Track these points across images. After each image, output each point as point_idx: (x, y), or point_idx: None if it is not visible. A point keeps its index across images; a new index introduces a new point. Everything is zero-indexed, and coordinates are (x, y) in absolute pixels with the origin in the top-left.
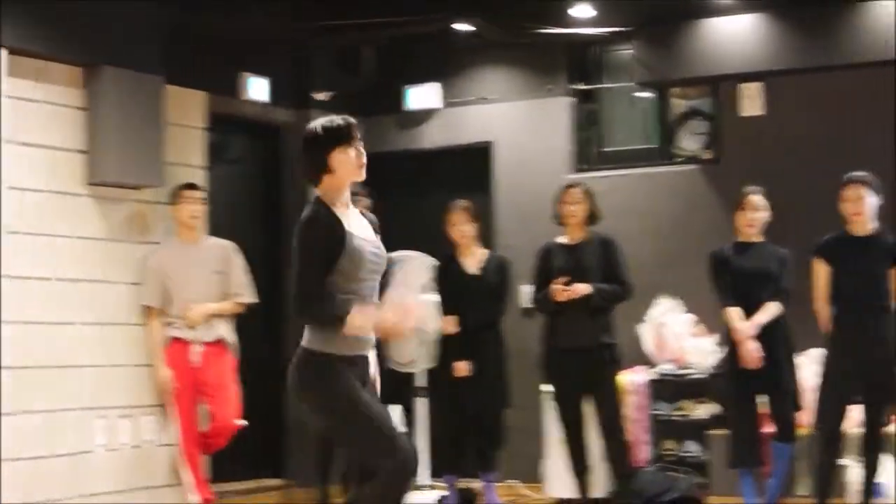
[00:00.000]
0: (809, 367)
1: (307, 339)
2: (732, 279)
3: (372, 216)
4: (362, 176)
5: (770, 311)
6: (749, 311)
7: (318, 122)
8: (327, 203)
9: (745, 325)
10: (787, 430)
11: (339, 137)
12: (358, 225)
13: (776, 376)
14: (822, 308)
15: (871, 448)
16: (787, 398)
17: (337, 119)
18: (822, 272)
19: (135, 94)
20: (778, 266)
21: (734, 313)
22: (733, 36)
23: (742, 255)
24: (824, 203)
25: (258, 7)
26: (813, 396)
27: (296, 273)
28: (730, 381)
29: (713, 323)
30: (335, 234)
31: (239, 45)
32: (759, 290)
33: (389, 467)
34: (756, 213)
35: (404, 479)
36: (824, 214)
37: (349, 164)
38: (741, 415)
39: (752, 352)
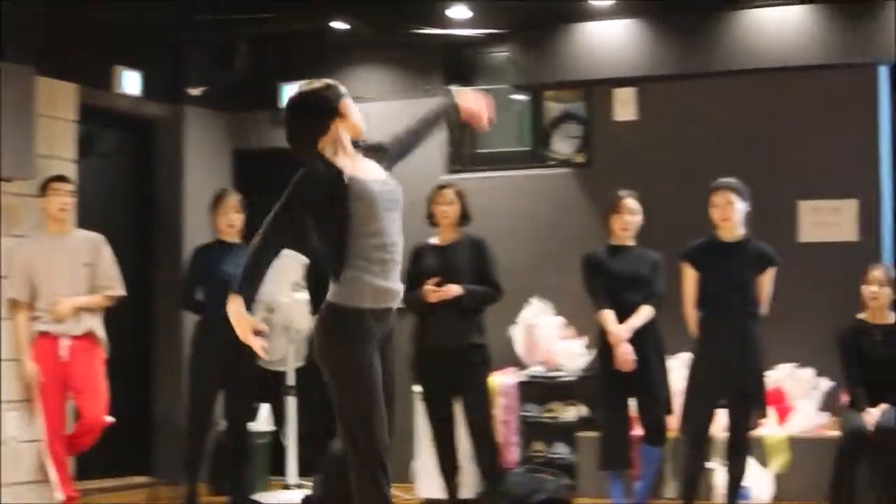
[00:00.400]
0: (679, 370)
1: (333, 293)
2: (606, 282)
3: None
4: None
5: (643, 314)
6: (622, 315)
7: (308, 86)
8: (328, 156)
9: (620, 329)
10: (656, 433)
11: (341, 92)
12: (364, 168)
13: (647, 380)
14: (691, 312)
15: (737, 452)
16: (657, 402)
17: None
18: (690, 277)
19: (4, 85)
20: (650, 270)
21: (608, 316)
22: (608, 41)
23: (615, 259)
24: (694, 208)
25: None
26: (681, 400)
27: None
28: (601, 383)
29: (583, 325)
30: (335, 183)
31: (112, 37)
32: (632, 293)
33: (355, 465)
34: (631, 216)
35: (370, 481)
36: (694, 219)
37: (354, 109)
38: (612, 417)
39: (626, 355)
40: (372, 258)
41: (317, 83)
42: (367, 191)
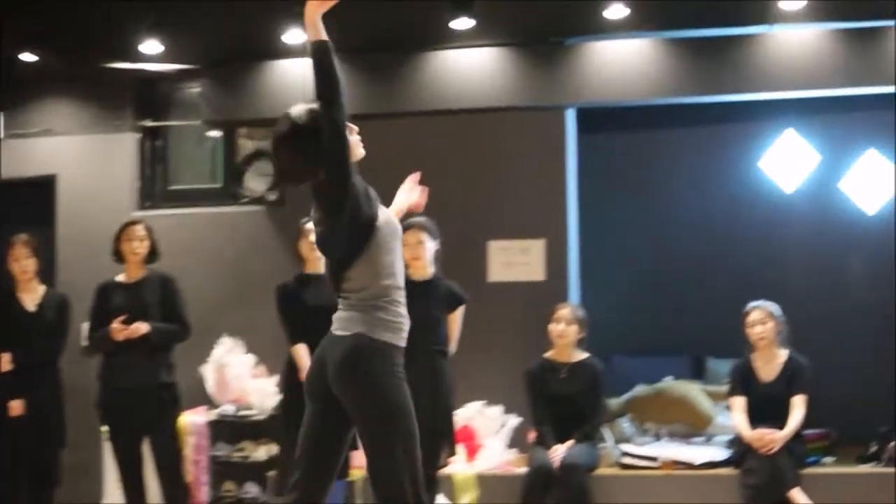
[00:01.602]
0: None
1: (365, 325)
2: (298, 313)
3: None
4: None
5: None
6: (317, 347)
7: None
8: None
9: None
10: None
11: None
12: None
13: None
14: None
15: (427, 489)
16: None
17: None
18: None
19: None
20: None
21: (299, 350)
22: (300, 79)
23: (307, 288)
24: None
25: None
26: None
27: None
28: (287, 417)
29: (275, 364)
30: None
31: None
32: (325, 324)
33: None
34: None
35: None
36: None
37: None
38: (290, 448)
39: None
40: (397, 296)
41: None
42: (394, 223)
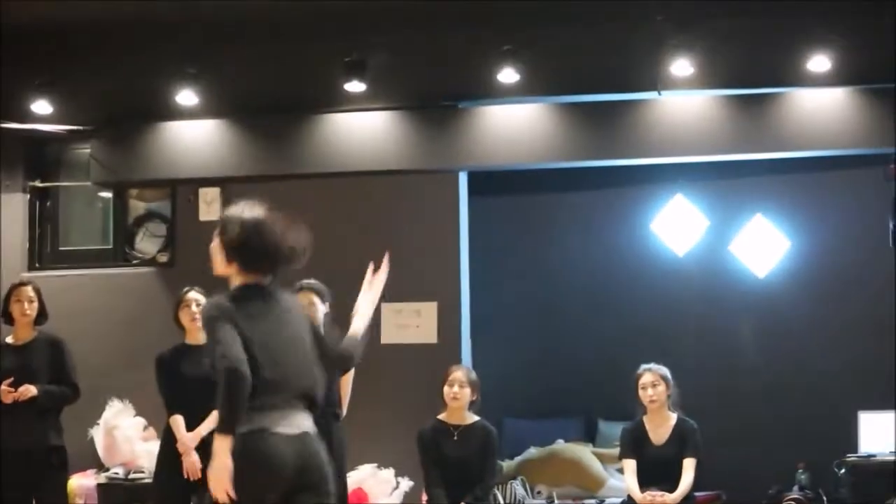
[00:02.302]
0: None
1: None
2: (176, 384)
3: None
4: None
5: (213, 420)
6: (194, 418)
7: (255, 210)
8: None
9: (186, 437)
10: None
11: None
12: None
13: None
14: None
15: None
16: None
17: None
18: None
19: None
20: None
21: (177, 421)
22: (193, 141)
23: (185, 358)
24: None
25: None
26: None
27: None
28: (162, 487)
29: (161, 426)
30: None
31: None
32: (204, 396)
33: None
34: (198, 308)
35: None
36: None
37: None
38: None
39: (194, 465)
40: None
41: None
42: None
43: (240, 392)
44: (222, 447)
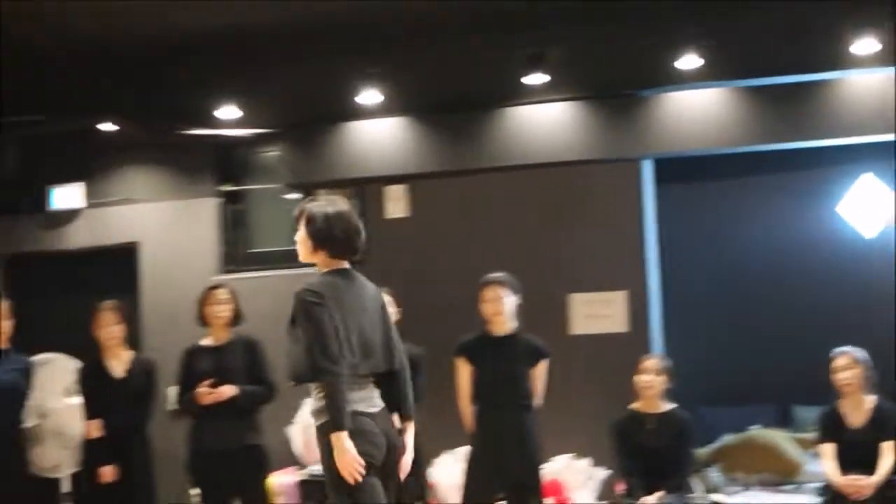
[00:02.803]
0: (457, 464)
1: None
2: None
3: None
4: None
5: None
6: None
7: (337, 202)
8: None
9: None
10: None
11: None
12: None
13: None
14: (466, 406)
15: None
16: None
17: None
18: (464, 371)
19: None
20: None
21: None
22: (378, 139)
23: None
24: (467, 303)
25: None
26: (459, 494)
27: None
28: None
29: None
30: None
31: None
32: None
33: None
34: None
35: None
36: (467, 315)
37: None
38: None
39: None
40: None
41: None
42: None
43: (342, 393)
44: (342, 443)
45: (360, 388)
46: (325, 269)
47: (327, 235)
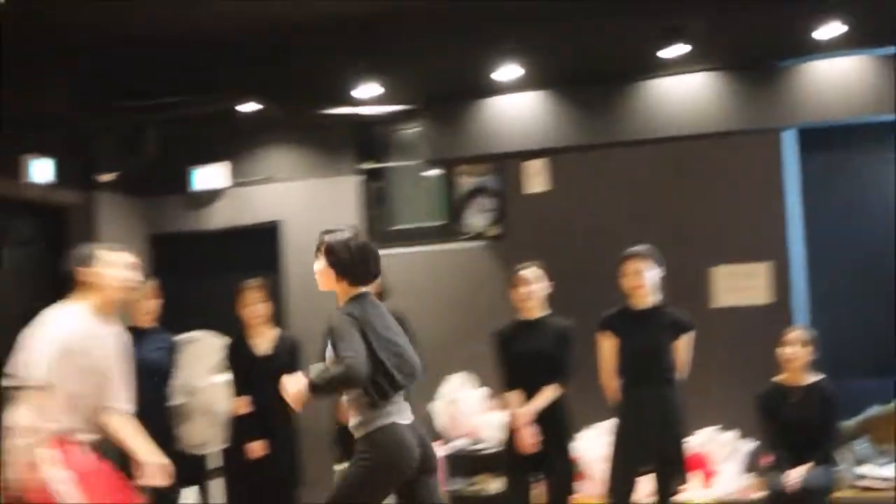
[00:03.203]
0: (601, 439)
1: None
2: (511, 361)
3: None
4: None
5: (547, 395)
6: (530, 392)
7: (355, 234)
8: None
9: (521, 412)
10: None
11: None
12: None
13: (550, 460)
14: (609, 381)
15: None
16: (559, 483)
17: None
18: (607, 346)
19: None
20: (556, 344)
21: (512, 397)
22: (517, 114)
23: (521, 336)
24: (608, 277)
25: (39, 88)
26: (604, 467)
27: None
28: (508, 462)
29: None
30: None
31: (21, 126)
32: (537, 371)
33: None
34: (528, 287)
35: None
36: (609, 288)
37: None
38: (512, 496)
39: (527, 438)
40: None
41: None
42: None
43: (347, 383)
44: (305, 390)
45: (396, 400)
46: (347, 297)
47: (348, 265)
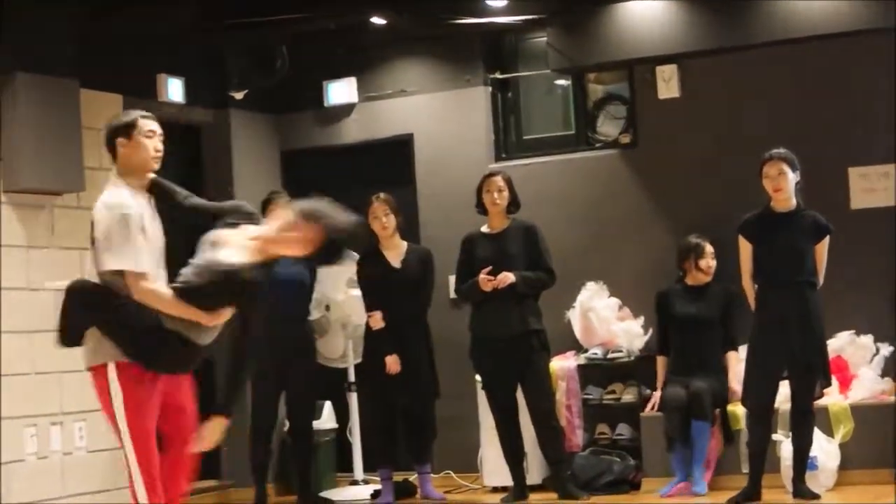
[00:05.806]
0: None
1: None
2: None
3: None
4: None
5: None
6: None
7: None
8: None
9: None
10: (701, 408)
11: None
12: None
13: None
14: (748, 284)
15: (802, 423)
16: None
17: None
18: (745, 249)
19: (49, 99)
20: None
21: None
22: (647, 19)
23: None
24: (745, 181)
25: (169, 7)
26: (743, 373)
27: None
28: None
29: (639, 306)
30: None
31: (154, 45)
32: None
33: None
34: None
35: None
36: (746, 193)
37: None
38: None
39: None
40: None
41: None
42: None
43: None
44: None
45: None
46: None
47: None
